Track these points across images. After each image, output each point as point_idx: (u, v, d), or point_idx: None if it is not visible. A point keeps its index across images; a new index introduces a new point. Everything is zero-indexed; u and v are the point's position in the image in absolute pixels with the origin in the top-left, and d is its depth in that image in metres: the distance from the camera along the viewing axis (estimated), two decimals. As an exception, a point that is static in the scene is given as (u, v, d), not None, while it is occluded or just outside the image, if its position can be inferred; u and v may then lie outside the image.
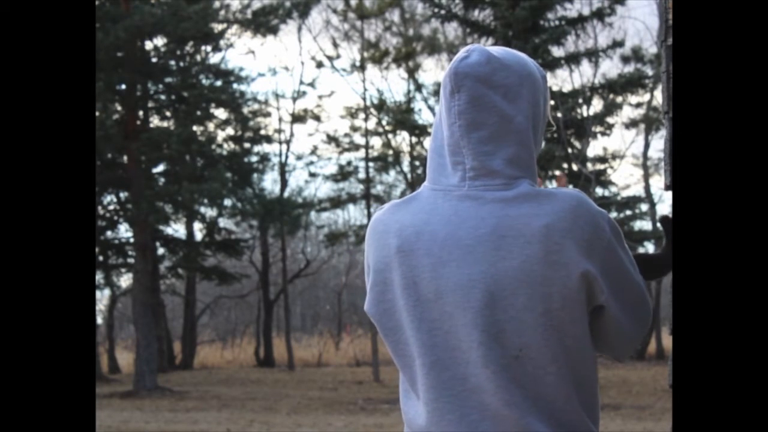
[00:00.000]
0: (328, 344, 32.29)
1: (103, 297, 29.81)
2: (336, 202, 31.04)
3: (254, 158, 26.03)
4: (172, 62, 22.92)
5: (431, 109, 28.74)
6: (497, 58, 1.93)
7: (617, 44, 19.68)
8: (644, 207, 25.69)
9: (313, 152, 31.23)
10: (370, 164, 30.48)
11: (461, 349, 1.87)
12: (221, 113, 23.66)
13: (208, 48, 24.02)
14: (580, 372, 1.90)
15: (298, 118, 30.87)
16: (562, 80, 34.04)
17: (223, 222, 26.92)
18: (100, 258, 23.69)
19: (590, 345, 1.94)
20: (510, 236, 1.86)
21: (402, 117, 27.05)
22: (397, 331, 1.94)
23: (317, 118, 31.19)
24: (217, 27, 22.94)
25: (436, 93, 25.20)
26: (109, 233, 24.04)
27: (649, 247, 27.48)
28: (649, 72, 23.16)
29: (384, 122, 29.67)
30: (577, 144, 19.50)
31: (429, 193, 1.96)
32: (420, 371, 1.91)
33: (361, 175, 30.72)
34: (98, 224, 22.83)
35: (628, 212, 22.90)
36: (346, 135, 31.08)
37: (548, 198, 1.88)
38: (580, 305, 1.87)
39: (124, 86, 21.41)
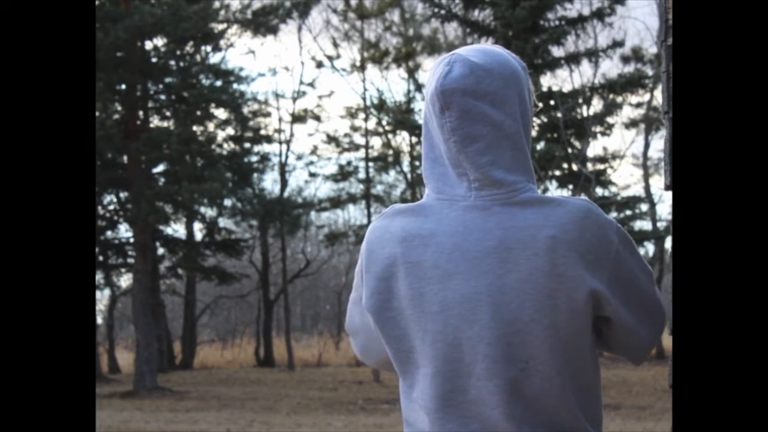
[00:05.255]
0: (328, 344, 32.30)
1: (103, 297, 29.86)
2: (336, 202, 31.06)
3: (254, 158, 26.04)
4: (172, 62, 22.92)
5: (431, 109, 28.69)
6: (479, 66, 1.90)
7: (617, 44, 19.69)
8: (644, 207, 25.69)
9: (313, 152, 31.27)
10: (370, 164, 30.52)
11: (464, 362, 1.86)
12: (221, 113, 23.67)
13: (208, 48, 24.03)
14: (583, 381, 1.90)
15: (298, 118, 30.89)
16: (562, 80, 34.12)
17: (223, 222, 26.94)
18: (100, 258, 23.69)
19: (593, 353, 1.94)
20: (517, 248, 1.84)
21: (402, 117, 27.04)
22: (401, 340, 1.92)
23: (317, 118, 31.22)
24: (217, 27, 22.94)
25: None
26: (109, 233, 24.05)
27: (650, 247, 27.49)
28: (649, 72, 23.17)
29: (384, 122, 29.67)
30: (577, 144, 19.50)
31: (435, 202, 1.93)
32: (423, 380, 1.90)
33: (361, 175, 30.75)
34: (98, 224, 22.83)
35: (628, 212, 22.89)
36: (346, 135, 31.12)
37: (555, 208, 1.86)
38: (585, 316, 1.86)
39: (124, 86, 21.42)
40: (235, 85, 23.48)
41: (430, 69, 1.98)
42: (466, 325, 1.86)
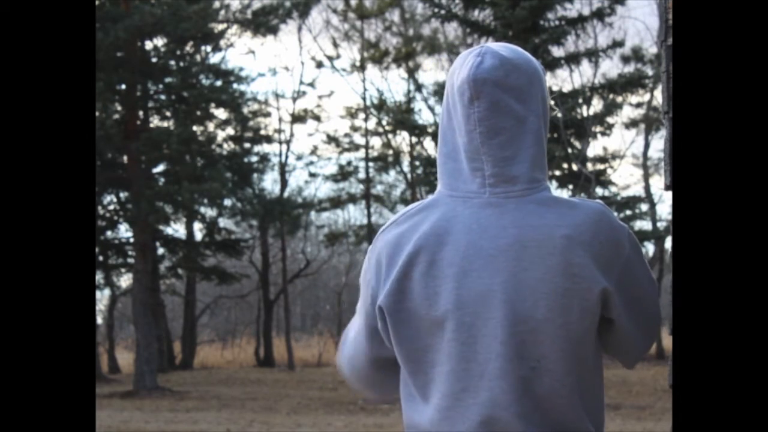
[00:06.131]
0: (328, 344, 32.27)
1: (103, 297, 29.83)
2: (336, 202, 31.07)
3: (254, 158, 26.03)
4: (172, 62, 22.90)
5: (431, 109, 28.75)
6: (508, 60, 1.91)
7: (617, 44, 19.69)
8: (644, 207, 25.70)
9: (313, 152, 31.25)
10: (370, 164, 30.52)
11: (477, 361, 1.86)
12: (221, 113, 23.65)
13: (208, 48, 24.04)
14: (589, 383, 1.91)
15: (298, 118, 30.87)
16: (562, 80, 34.04)
17: (223, 222, 26.91)
18: (100, 258, 23.68)
19: (598, 356, 1.94)
20: (532, 247, 1.85)
21: (402, 117, 27.05)
22: (415, 339, 1.91)
23: (317, 118, 31.20)
24: (217, 27, 22.94)
25: (437, 93, 25.14)
26: (109, 233, 24.02)
27: (650, 247, 27.49)
28: (649, 72, 23.16)
29: (384, 122, 29.68)
30: (577, 144, 19.49)
31: (447, 200, 1.93)
32: (438, 378, 1.89)
33: (361, 175, 30.76)
34: (98, 224, 22.82)
35: (628, 212, 22.90)
36: (346, 135, 31.12)
37: (570, 209, 1.88)
38: (595, 317, 1.87)
39: (124, 86, 21.40)
40: (235, 85, 23.45)
41: (456, 62, 1.98)
42: (480, 323, 1.86)
